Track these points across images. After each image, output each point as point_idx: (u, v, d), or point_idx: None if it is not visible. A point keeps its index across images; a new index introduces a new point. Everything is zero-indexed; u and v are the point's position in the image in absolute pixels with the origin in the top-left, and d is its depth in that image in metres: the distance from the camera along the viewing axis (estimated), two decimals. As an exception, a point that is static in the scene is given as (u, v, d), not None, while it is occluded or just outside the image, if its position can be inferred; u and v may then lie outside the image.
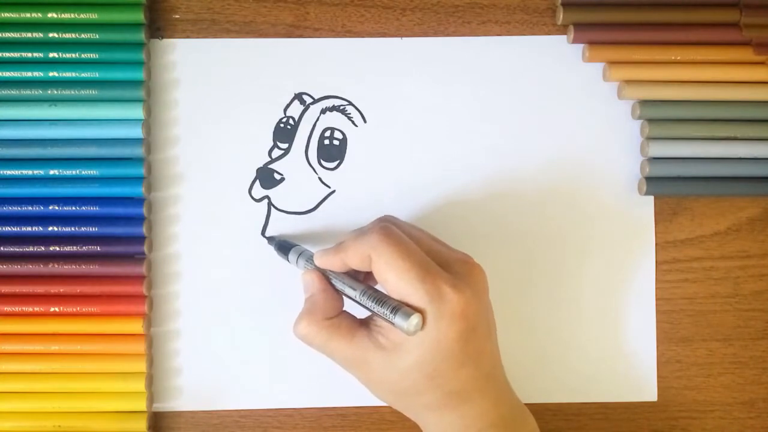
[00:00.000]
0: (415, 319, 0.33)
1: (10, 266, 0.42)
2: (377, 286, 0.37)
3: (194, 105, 0.44)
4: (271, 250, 0.44)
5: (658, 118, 0.43)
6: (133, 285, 0.42)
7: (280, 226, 0.44)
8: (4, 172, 0.42)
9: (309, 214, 0.44)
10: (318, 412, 0.44)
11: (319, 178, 0.44)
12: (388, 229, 0.35)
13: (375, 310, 0.35)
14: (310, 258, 0.39)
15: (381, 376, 0.36)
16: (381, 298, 0.35)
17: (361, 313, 0.38)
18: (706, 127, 0.43)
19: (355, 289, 0.36)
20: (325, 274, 0.38)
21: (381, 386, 0.37)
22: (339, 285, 0.37)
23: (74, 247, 0.42)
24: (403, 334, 0.34)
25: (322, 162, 0.44)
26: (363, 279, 0.39)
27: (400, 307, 0.34)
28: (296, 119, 0.44)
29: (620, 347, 0.45)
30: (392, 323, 0.34)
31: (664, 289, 0.45)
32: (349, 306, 0.38)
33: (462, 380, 0.35)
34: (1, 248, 0.42)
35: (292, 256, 0.40)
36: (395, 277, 0.34)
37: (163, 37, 0.44)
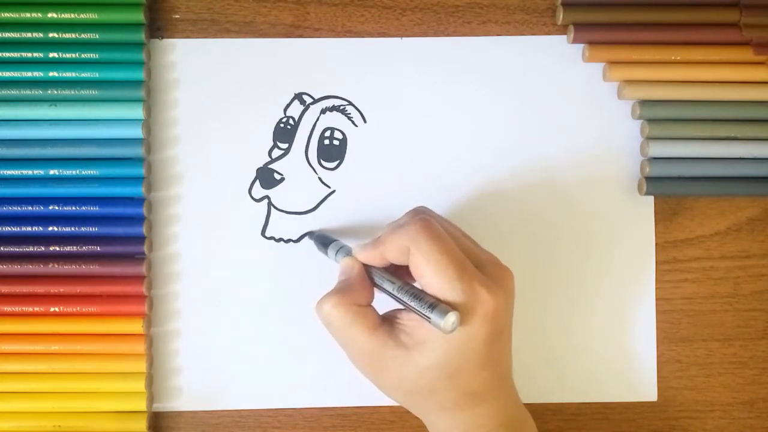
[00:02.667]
0: (453, 317, 0.32)
1: (10, 266, 0.42)
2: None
3: (194, 105, 0.44)
4: (271, 250, 0.44)
5: (658, 118, 0.43)
6: (133, 285, 0.42)
7: (280, 226, 0.44)
8: (4, 172, 0.42)
9: (309, 214, 0.44)
10: (318, 412, 0.44)
11: (319, 178, 0.44)
12: (428, 221, 0.35)
13: (412, 304, 0.34)
14: (348, 253, 0.38)
15: (396, 374, 0.35)
16: (418, 294, 0.34)
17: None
18: (706, 127, 0.43)
19: (393, 283, 0.36)
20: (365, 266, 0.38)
21: (394, 385, 0.36)
22: (377, 278, 0.37)
23: (74, 247, 0.42)
24: (428, 331, 0.34)
25: (322, 162, 0.44)
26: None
27: (437, 304, 0.33)
28: (296, 119, 0.44)
29: (620, 347, 0.45)
30: (428, 319, 0.33)
31: (664, 289, 0.45)
32: (379, 303, 0.38)
33: (480, 382, 0.35)
34: (1, 248, 0.42)
35: (331, 251, 0.40)
36: (432, 272, 0.34)
37: (163, 37, 0.44)
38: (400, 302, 0.35)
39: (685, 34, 0.43)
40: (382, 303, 0.37)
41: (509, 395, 0.38)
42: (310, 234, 0.43)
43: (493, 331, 0.34)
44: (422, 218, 0.35)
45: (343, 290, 0.36)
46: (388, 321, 0.36)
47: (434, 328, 0.33)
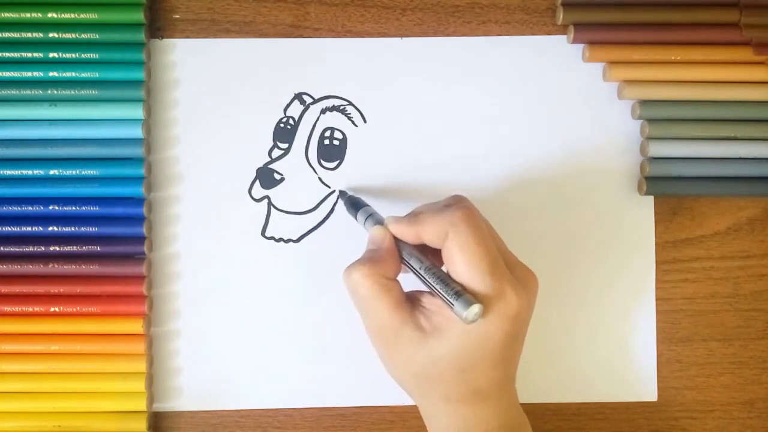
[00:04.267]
0: (477, 308, 0.32)
1: (10, 266, 0.42)
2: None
3: (194, 105, 0.44)
4: (271, 250, 0.44)
5: (658, 118, 0.43)
6: (133, 285, 0.42)
7: (280, 226, 0.44)
8: (4, 172, 0.42)
9: (309, 214, 0.44)
10: (318, 412, 0.44)
11: (319, 178, 0.44)
12: (471, 211, 0.35)
13: (437, 287, 0.34)
14: (379, 222, 0.38)
15: (408, 355, 0.35)
16: (445, 278, 0.34)
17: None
18: (706, 127, 0.43)
19: (421, 262, 0.35)
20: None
21: (403, 366, 0.36)
22: (405, 254, 0.36)
23: (74, 247, 0.42)
24: (447, 320, 0.34)
25: (322, 162, 0.44)
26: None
27: (463, 292, 0.33)
28: (296, 119, 0.44)
29: (620, 347, 0.45)
30: (451, 305, 0.33)
31: (664, 289, 0.45)
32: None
33: (489, 380, 0.35)
34: (1, 248, 0.42)
35: (361, 215, 0.39)
36: (465, 261, 0.33)
37: (163, 37, 0.44)
38: (424, 282, 0.35)
39: (685, 34, 0.43)
40: (405, 281, 0.37)
41: (511, 398, 0.38)
42: (342, 194, 0.42)
43: (511, 332, 0.34)
44: (466, 206, 0.35)
45: (372, 260, 0.35)
46: (410, 300, 0.36)
47: (454, 317, 0.33)
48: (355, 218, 0.40)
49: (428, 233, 0.35)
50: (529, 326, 0.37)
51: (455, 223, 0.34)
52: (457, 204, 0.36)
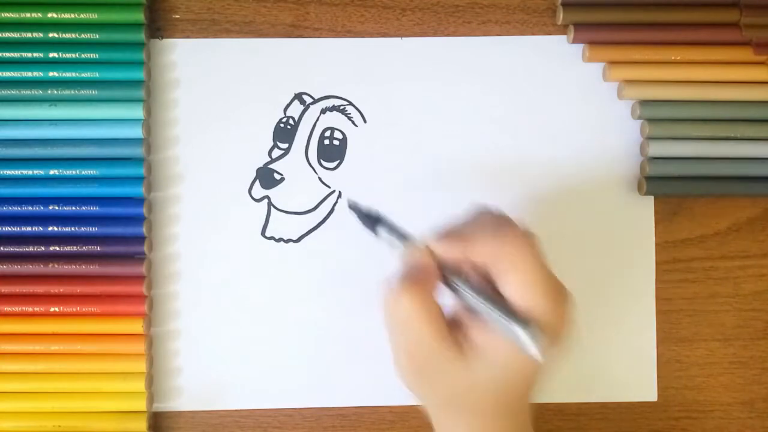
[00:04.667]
0: (543, 341, 0.30)
1: (10, 266, 0.42)
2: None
3: (194, 105, 0.44)
4: (271, 250, 0.44)
5: (658, 118, 0.43)
6: (133, 285, 0.42)
7: (280, 226, 0.44)
8: (4, 172, 0.42)
9: (309, 214, 0.44)
10: (318, 412, 0.44)
11: (319, 178, 0.44)
12: (533, 236, 0.32)
13: (497, 315, 0.31)
14: (406, 237, 0.34)
15: (445, 377, 0.32)
16: (504, 305, 0.31)
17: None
18: (706, 127, 0.43)
19: (470, 283, 0.32)
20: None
21: (437, 388, 0.33)
22: (452, 275, 0.33)
23: (74, 247, 0.42)
24: (490, 342, 0.31)
25: (322, 162, 0.44)
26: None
27: (529, 322, 0.30)
28: (296, 119, 0.44)
29: (620, 347, 0.45)
30: (515, 335, 0.30)
31: (664, 289, 0.45)
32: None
33: (521, 408, 0.34)
34: (1, 248, 0.42)
35: (382, 231, 0.35)
36: (524, 294, 0.31)
37: (163, 37, 0.44)
38: (476, 305, 0.32)
39: (685, 34, 0.43)
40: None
41: (526, 426, 0.35)
42: (352, 206, 0.36)
43: (551, 360, 0.32)
44: (526, 232, 0.33)
45: (415, 281, 0.32)
46: (451, 321, 0.33)
47: (498, 339, 0.31)
48: (373, 233, 0.35)
49: (479, 254, 0.32)
50: None
51: (517, 247, 0.31)
52: (513, 225, 0.33)
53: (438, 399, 0.34)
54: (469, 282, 0.32)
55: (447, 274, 0.33)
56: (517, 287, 0.31)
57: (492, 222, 0.34)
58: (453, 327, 0.33)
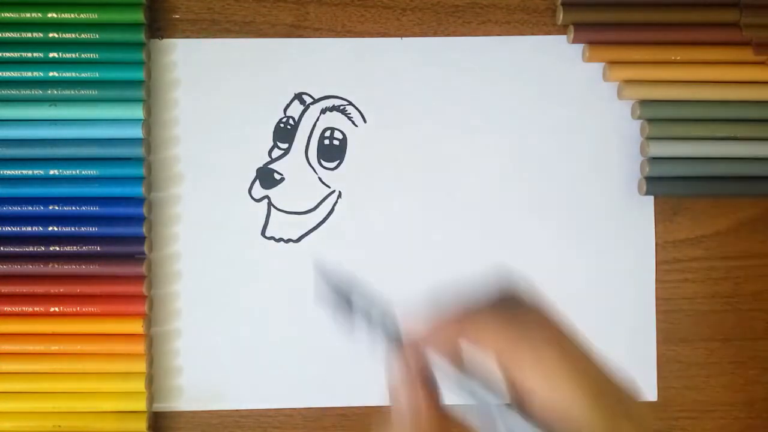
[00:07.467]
0: None
1: (10, 266, 0.42)
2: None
3: (194, 105, 0.44)
4: (271, 250, 0.44)
5: (658, 118, 0.43)
6: (133, 285, 0.42)
7: (281, 226, 0.44)
8: (4, 172, 0.42)
9: (309, 214, 0.44)
10: (318, 412, 0.44)
11: (319, 178, 0.44)
12: (559, 328, 0.25)
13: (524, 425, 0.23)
14: (391, 326, 0.25)
15: None
16: (529, 411, 0.23)
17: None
18: (706, 127, 0.43)
19: (492, 393, 0.24)
20: (422, 360, 0.25)
21: None
22: (462, 379, 0.24)
23: (74, 247, 0.42)
24: None
25: (322, 162, 0.44)
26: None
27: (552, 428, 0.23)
28: (296, 119, 0.44)
29: (620, 347, 0.45)
30: None
31: (664, 289, 0.45)
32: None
33: None
34: (1, 248, 0.42)
35: (360, 317, 0.25)
36: (560, 395, 0.23)
37: (163, 37, 0.44)
38: (496, 415, 0.24)
39: (685, 34, 0.43)
40: None
41: None
42: (321, 274, 0.26)
43: None
44: (552, 321, 0.26)
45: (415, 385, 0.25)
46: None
47: None
48: (348, 320, 0.26)
49: (483, 339, 0.24)
50: None
51: (537, 339, 0.24)
52: (532, 309, 0.26)
53: None
54: (494, 393, 0.24)
55: (456, 381, 0.25)
56: (540, 401, 0.23)
57: (495, 303, 0.26)
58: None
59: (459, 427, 0.25)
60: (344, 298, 0.25)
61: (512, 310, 0.25)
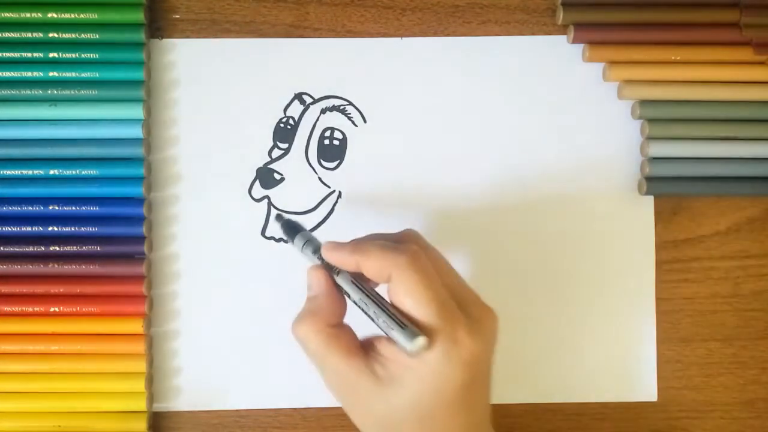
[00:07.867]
0: (421, 340, 0.30)
1: (10, 266, 0.42)
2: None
3: (194, 105, 0.44)
4: (271, 250, 0.44)
5: (658, 118, 0.43)
6: (133, 285, 0.42)
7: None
8: (4, 172, 0.42)
9: (309, 214, 0.44)
10: (318, 412, 0.44)
11: (319, 178, 0.44)
12: (417, 254, 0.33)
13: (379, 320, 0.32)
14: (317, 248, 0.35)
15: (368, 406, 0.33)
16: (387, 308, 0.32)
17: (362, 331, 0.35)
18: (706, 127, 0.43)
19: (361, 292, 0.33)
20: (330, 270, 0.35)
21: (366, 416, 0.34)
22: (344, 284, 0.34)
23: (74, 247, 0.42)
24: (403, 368, 0.32)
25: (322, 162, 0.44)
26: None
27: (406, 324, 0.31)
28: (296, 119, 0.44)
29: (620, 347, 0.45)
30: (395, 338, 0.31)
31: (664, 289, 0.45)
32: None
33: (452, 428, 0.33)
34: (1, 248, 0.42)
35: (298, 240, 0.37)
36: (412, 306, 0.32)
37: (163, 37, 0.44)
38: (365, 313, 0.33)
39: (685, 34, 0.43)
40: (356, 321, 0.35)
41: None
42: (278, 217, 0.40)
43: (469, 377, 0.32)
44: (412, 249, 0.33)
45: (313, 311, 0.34)
46: (365, 347, 0.34)
47: (410, 363, 0.31)
48: (292, 243, 0.38)
49: (370, 269, 0.33)
50: (492, 367, 0.34)
51: (400, 265, 0.32)
52: (405, 243, 0.33)
53: (366, 421, 0.34)
54: (363, 292, 0.33)
55: (342, 283, 0.34)
56: (404, 308, 0.32)
57: (394, 238, 0.35)
58: (371, 352, 0.33)
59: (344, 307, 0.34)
60: (291, 229, 0.38)
61: (389, 246, 0.33)
